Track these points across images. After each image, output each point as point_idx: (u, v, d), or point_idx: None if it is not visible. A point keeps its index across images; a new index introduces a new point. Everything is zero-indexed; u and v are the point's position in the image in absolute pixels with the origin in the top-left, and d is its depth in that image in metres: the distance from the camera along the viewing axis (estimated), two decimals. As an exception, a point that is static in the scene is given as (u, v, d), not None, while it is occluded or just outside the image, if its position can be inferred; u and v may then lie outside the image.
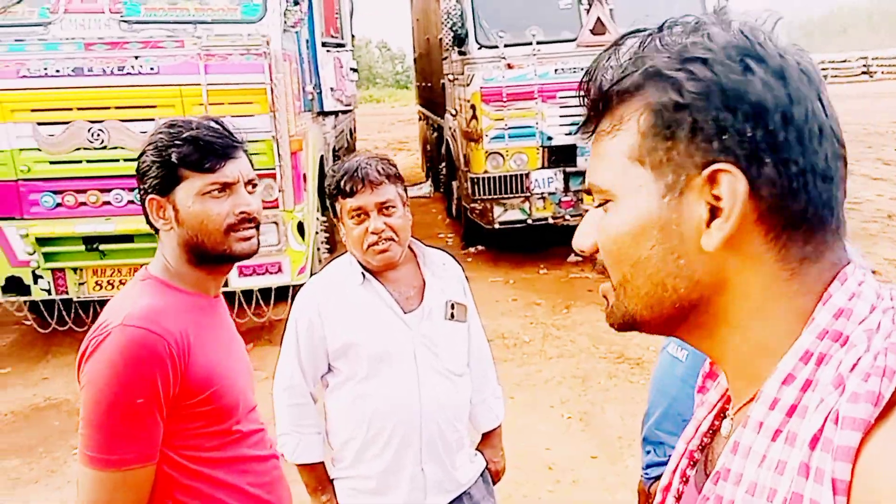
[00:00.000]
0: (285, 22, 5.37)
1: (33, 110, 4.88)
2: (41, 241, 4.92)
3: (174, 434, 1.32)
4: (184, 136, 1.36)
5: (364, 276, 1.82)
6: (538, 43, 6.60)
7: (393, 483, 1.81)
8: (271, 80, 5.00)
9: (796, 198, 0.60)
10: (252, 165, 1.46)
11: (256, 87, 5.01)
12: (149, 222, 1.42)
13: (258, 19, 5.21)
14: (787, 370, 0.59)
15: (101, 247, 5.08)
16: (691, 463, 0.77)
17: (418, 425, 1.79)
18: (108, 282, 5.21)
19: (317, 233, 6.13)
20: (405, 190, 1.86)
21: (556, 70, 6.68)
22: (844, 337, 0.58)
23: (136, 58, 4.94)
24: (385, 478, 1.82)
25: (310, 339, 1.83)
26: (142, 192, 1.40)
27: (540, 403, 4.40)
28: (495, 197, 6.79)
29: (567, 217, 6.91)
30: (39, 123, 4.89)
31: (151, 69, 4.97)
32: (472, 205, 7.18)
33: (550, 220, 6.83)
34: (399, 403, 1.79)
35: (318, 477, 1.91)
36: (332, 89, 6.78)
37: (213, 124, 1.40)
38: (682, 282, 0.64)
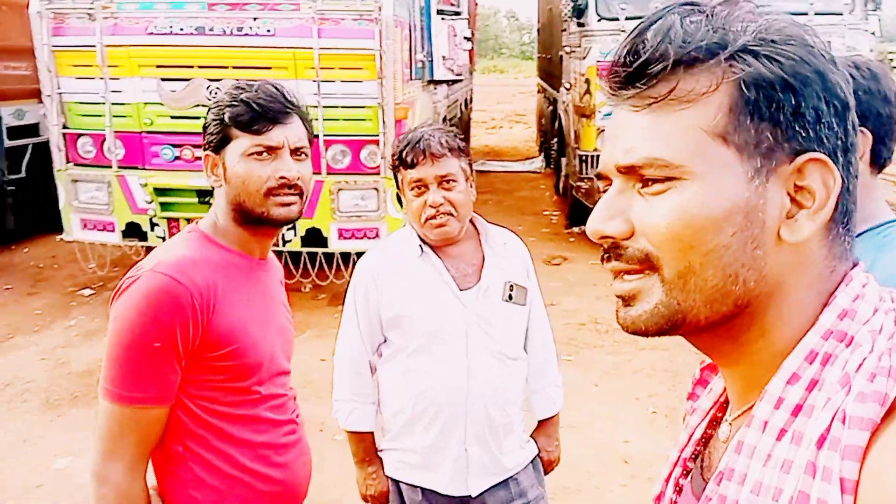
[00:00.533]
0: (400, -12, 5.37)
1: (158, 66, 5.15)
2: (159, 192, 5.22)
3: (192, 383, 1.36)
4: (240, 97, 1.38)
5: (422, 249, 1.79)
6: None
7: (437, 460, 1.80)
8: (381, 46, 5.02)
9: (850, 196, 0.62)
10: (310, 133, 1.46)
11: (366, 53, 5.05)
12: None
13: (373, -15, 5.22)
14: (792, 369, 0.59)
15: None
16: (684, 472, 0.75)
17: (464, 406, 1.76)
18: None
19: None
20: (470, 165, 1.80)
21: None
22: (849, 337, 0.58)
23: (255, 19, 5.10)
24: (429, 454, 1.81)
25: (366, 308, 1.83)
26: (203, 148, 1.44)
27: (625, 394, 4.25)
28: (603, 176, 6.55)
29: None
30: (163, 79, 5.16)
31: (268, 31, 5.12)
32: (579, 183, 6.99)
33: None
34: (446, 381, 1.76)
35: (366, 447, 1.92)
36: (443, 58, 6.74)
37: (271, 89, 1.41)
38: (752, 275, 0.60)
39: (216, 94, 5.14)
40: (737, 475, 0.59)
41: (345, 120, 5.17)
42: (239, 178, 1.38)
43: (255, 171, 1.37)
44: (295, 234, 5.29)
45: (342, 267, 5.39)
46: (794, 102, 0.58)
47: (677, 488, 0.75)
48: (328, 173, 5.21)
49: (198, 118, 5.29)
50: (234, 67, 5.12)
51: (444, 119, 8.14)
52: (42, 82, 5.28)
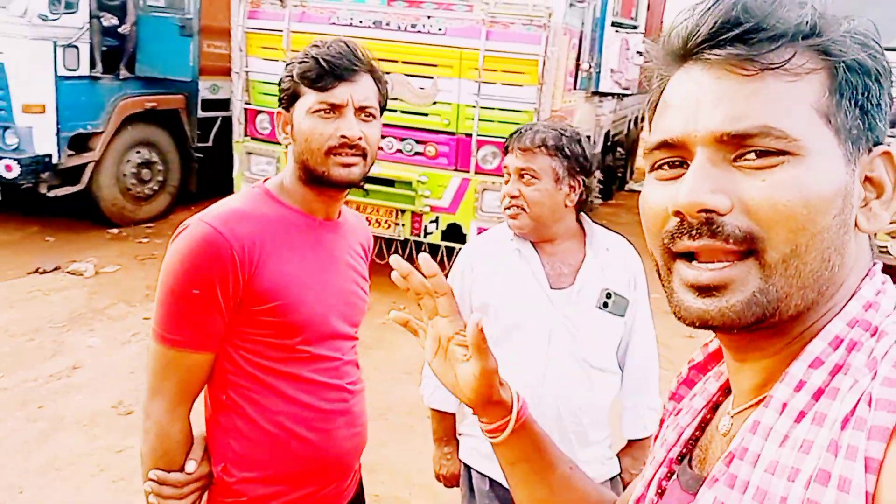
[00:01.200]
0: (574, -4, 5.35)
1: (335, 55, 5.48)
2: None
3: (238, 334, 1.36)
4: (311, 53, 1.36)
5: (519, 249, 1.78)
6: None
7: None
8: (545, 52, 5.03)
9: None
10: (382, 94, 1.42)
11: (530, 57, 5.07)
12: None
13: (548, -9, 5.24)
14: (816, 353, 0.58)
15: (367, 186, 5.60)
16: (668, 473, 0.73)
17: (535, 404, 1.73)
18: (366, 217, 5.75)
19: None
20: (568, 167, 1.74)
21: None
22: (874, 327, 0.58)
23: (429, 17, 5.28)
24: None
25: (460, 292, 1.84)
26: (279, 104, 1.45)
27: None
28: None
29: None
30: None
31: (439, 29, 5.28)
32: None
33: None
34: (520, 376, 1.73)
35: (445, 428, 1.96)
36: (612, 70, 6.62)
37: (342, 46, 1.37)
38: (839, 260, 0.58)
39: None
40: (750, 455, 0.58)
41: (500, 122, 5.22)
42: (303, 135, 1.36)
43: (318, 129, 1.35)
44: (437, 228, 5.42)
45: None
46: (878, 94, 0.59)
47: (659, 490, 0.73)
48: (476, 172, 5.29)
49: (363, 106, 5.59)
50: (404, 62, 5.34)
51: (608, 134, 7.97)
52: (233, 60, 5.81)
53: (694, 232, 0.58)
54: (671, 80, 0.63)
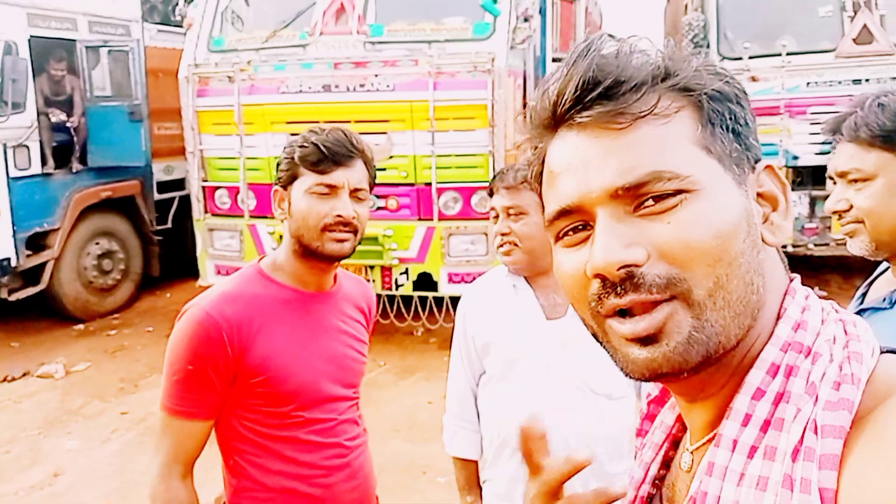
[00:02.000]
0: (513, 39, 5.48)
1: (288, 122, 5.51)
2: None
3: (237, 405, 1.48)
4: (311, 139, 1.49)
5: (514, 284, 1.82)
6: (789, 54, 5.98)
7: (518, 492, 1.76)
8: (493, 96, 5.13)
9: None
10: (371, 178, 1.56)
11: (478, 103, 5.17)
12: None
13: (487, 37, 5.37)
14: (756, 383, 0.58)
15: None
16: None
17: None
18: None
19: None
20: None
21: (808, 83, 6.00)
22: (807, 348, 0.58)
23: (376, 76, 5.37)
24: (512, 485, 1.79)
25: (464, 336, 1.90)
26: (274, 184, 1.56)
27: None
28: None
29: (810, 246, 6.18)
30: (292, 135, 5.51)
31: (388, 86, 5.37)
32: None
33: (790, 249, 6.12)
34: (523, 409, 1.73)
35: (467, 475, 1.95)
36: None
37: (339, 134, 1.51)
38: (760, 280, 0.59)
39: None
40: (710, 498, 0.57)
41: (457, 168, 5.30)
42: (301, 212, 1.48)
43: (315, 207, 1.47)
44: (407, 279, 5.41)
45: (451, 311, 5.44)
46: (743, 115, 0.61)
47: None
48: (440, 219, 5.32)
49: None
50: (357, 121, 5.38)
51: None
52: (186, 140, 5.81)
53: (619, 290, 0.57)
54: (549, 149, 0.63)
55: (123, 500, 3.65)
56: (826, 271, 7.18)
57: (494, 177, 1.83)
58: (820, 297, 0.63)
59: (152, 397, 4.88)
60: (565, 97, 0.59)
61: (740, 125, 0.61)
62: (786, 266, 0.64)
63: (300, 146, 1.49)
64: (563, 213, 0.61)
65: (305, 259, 1.52)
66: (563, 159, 0.61)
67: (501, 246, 1.79)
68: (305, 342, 1.52)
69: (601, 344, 0.62)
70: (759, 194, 0.61)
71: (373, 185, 1.57)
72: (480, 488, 1.95)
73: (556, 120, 0.61)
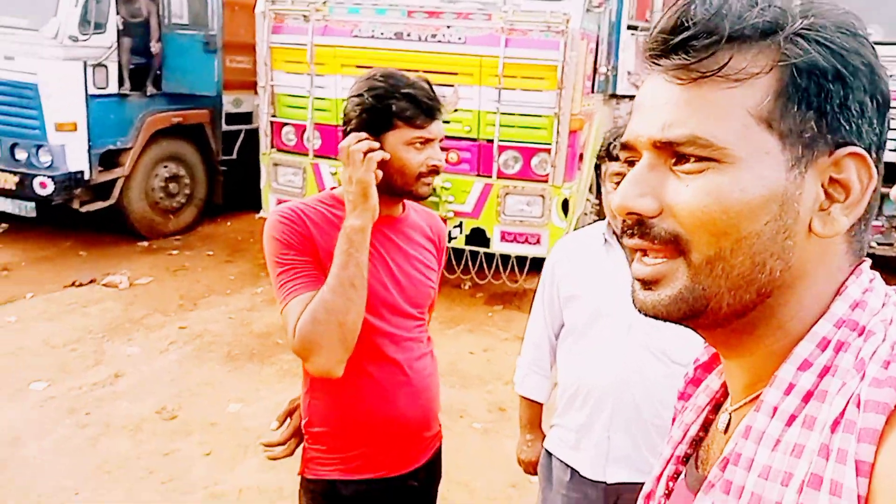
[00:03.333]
0: (590, 2, 5.43)
1: (358, 66, 5.58)
2: (345, 180, 5.66)
3: None
4: (402, 91, 1.56)
5: (606, 239, 1.86)
6: (876, 44, 5.78)
7: (584, 443, 1.85)
8: (564, 58, 5.12)
9: (875, 194, 0.60)
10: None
11: (549, 63, 5.16)
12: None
13: (563, -2, 5.33)
14: (804, 356, 0.58)
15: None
16: (675, 473, 0.74)
17: (613, 393, 1.79)
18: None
19: (585, 213, 6.18)
20: None
21: (891, 75, 5.81)
22: (861, 327, 0.58)
23: (448, 27, 5.39)
24: (580, 435, 1.86)
25: (550, 285, 1.95)
26: (352, 127, 1.60)
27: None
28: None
29: (873, 244, 6.05)
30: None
31: (459, 39, 5.38)
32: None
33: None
34: (600, 365, 1.80)
35: (530, 416, 2.06)
36: (628, 73, 6.70)
37: (427, 88, 1.60)
38: (780, 264, 0.58)
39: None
40: (744, 460, 0.58)
41: (520, 127, 5.33)
42: (399, 161, 1.58)
43: (414, 158, 1.59)
44: (461, 233, 5.51)
45: (501, 269, 5.55)
46: (842, 94, 0.57)
47: (667, 490, 0.74)
48: (498, 177, 5.38)
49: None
50: (426, 71, 5.39)
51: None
52: (258, 75, 5.95)
53: (630, 231, 0.62)
54: (645, 80, 0.64)
55: (178, 406, 3.92)
56: (887, 272, 7.03)
57: (613, 140, 1.78)
58: None
59: (209, 316, 5.15)
60: (652, 41, 0.61)
61: (831, 104, 0.57)
62: (861, 250, 0.63)
63: (394, 98, 1.55)
64: (624, 146, 0.65)
65: (386, 195, 1.61)
66: (640, 96, 0.63)
67: None
68: (374, 256, 1.60)
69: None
70: (832, 179, 0.59)
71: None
72: (540, 429, 2.06)
73: (646, 59, 0.62)
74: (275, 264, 1.55)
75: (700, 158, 0.58)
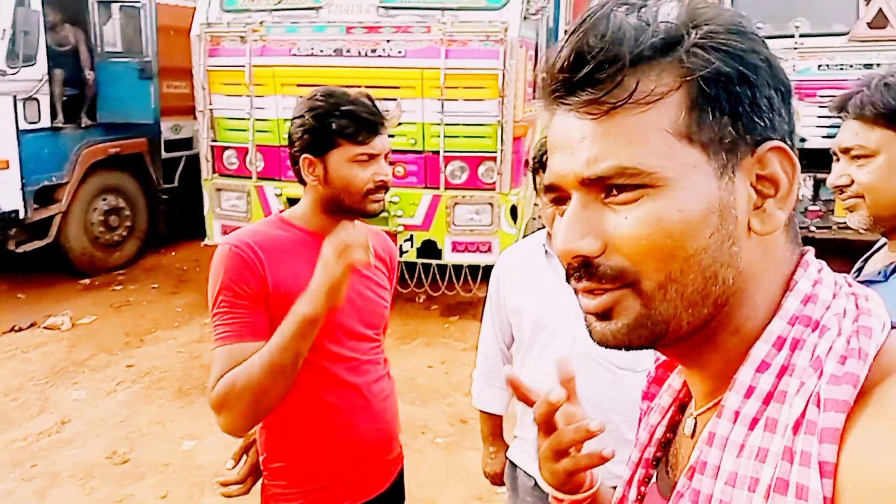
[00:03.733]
0: (527, 9, 5.46)
1: (298, 85, 5.49)
2: (291, 201, 5.56)
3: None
4: (342, 108, 1.52)
5: (547, 251, 1.85)
6: (802, 36, 5.97)
7: None
8: (504, 66, 5.12)
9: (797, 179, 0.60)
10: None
11: (489, 72, 5.16)
12: (298, 175, 1.61)
13: (500, 6, 5.34)
14: (761, 356, 0.58)
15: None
16: (646, 477, 0.73)
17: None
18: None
19: (534, 218, 6.18)
20: None
21: (819, 66, 5.99)
22: (815, 322, 0.57)
23: (388, 41, 5.35)
24: (537, 447, 1.85)
25: (496, 298, 1.95)
26: (295, 149, 1.58)
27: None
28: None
29: (812, 229, 6.21)
30: (300, 97, 5.52)
31: (399, 52, 5.35)
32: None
33: (792, 232, 6.16)
34: (548, 377, 1.78)
35: (491, 428, 2.05)
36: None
37: (368, 104, 1.56)
38: (731, 272, 0.58)
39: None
40: (710, 468, 0.57)
41: (465, 137, 5.31)
42: (343, 181, 1.55)
43: (359, 176, 1.55)
44: (412, 246, 5.46)
45: (454, 280, 5.50)
46: (750, 94, 0.57)
47: (640, 495, 0.73)
48: (446, 188, 5.35)
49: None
50: (367, 86, 5.31)
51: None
52: (196, 99, 5.81)
53: (577, 274, 0.60)
54: (553, 119, 0.63)
55: (129, 448, 3.75)
56: (827, 254, 7.22)
57: (545, 151, 1.74)
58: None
59: (157, 351, 4.98)
60: (553, 78, 0.59)
61: (742, 106, 0.57)
62: (797, 237, 0.63)
63: (334, 116, 1.52)
64: (549, 188, 0.64)
65: (335, 215, 1.58)
66: (553, 136, 0.62)
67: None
68: None
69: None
70: (759, 176, 0.59)
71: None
72: (503, 440, 2.07)
73: (550, 98, 0.61)
74: (214, 302, 1.51)
75: (632, 187, 0.57)
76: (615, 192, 0.57)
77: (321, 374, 1.57)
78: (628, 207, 0.57)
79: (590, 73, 0.56)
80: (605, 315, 0.60)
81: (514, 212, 5.41)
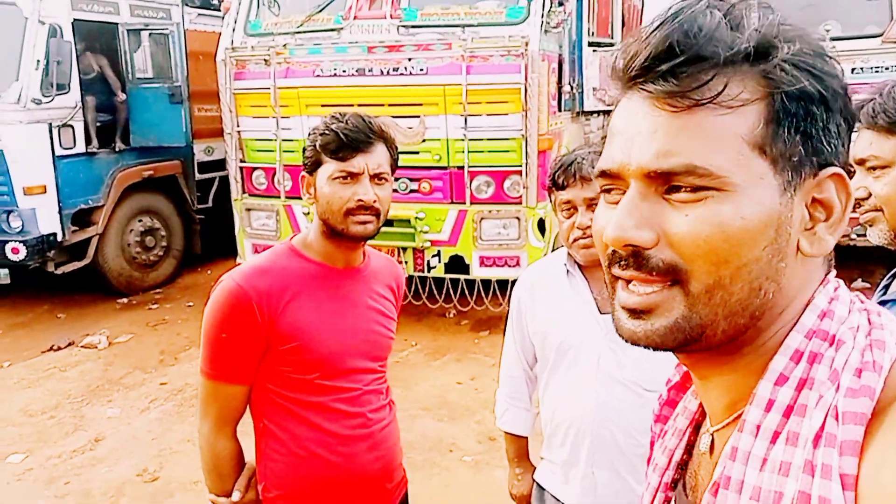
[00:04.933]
0: (548, 23, 5.46)
1: (323, 105, 5.58)
2: (318, 219, 5.63)
3: (268, 370, 1.57)
4: (331, 126, 1.55)
5: (567, 269, 1.81)
6: (833, 39, 5.85)
7: (571, 477, 1.81)
8: (526, 80, 5.13)
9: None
10: (393, 160, 1.60)
11: (511, 87, 5.18)
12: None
13: (521, 21, 5.36)
14: (779, 370, 0.59)
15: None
16: (666, 500, 0.73)
17: (589, 428, 1.75)
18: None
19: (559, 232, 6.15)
20: None
21: (853, 70, 5.86)
22: (831, 336, 0.58)
23: (409, 59, 5.41)
24: (566, 468, 1.83)
25: (518, 318, 1.92)
26: (303, 167, 1.62)
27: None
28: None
29: (853, 237, 6.04)
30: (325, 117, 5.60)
31: (421, 70, 5.40)
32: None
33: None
34: (573, 401, 1.76)
35: (516, 449, 2.02)
36: (594, 89, 6.72)
37: (358, 121, 1.56)
38: (773, 286, 0.59)
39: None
40: (734, 483, 0.58)
41: (490, 152, 5.32)
42: (325, 198, 1.55)
43: (338, 193, 1.54)
44: (439, 261, 5.47)
45: (483, 294, 5.50)
46: (825, 117, 0.58)
47: None
48: (472, 203, 5.36)
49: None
50: (390, 105, 5.44)
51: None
52: (224, 121, 5.94)
53: (623, 263, 0.60)
54: (618, 104, 0.62)
55: (161, 466, 3.81)
56: (865, 261, 7.03)
57: (563, 167, 1.74)
58: (860, 288, 0.63)
59: (191, 369, 5.06)
60: (636, 63, 0.59)
61: (816, 128, 0.58)
62: (831, 259, 0.64)
63: (321, 134, 1.55)
64: (604, 174, 0.63)
65: (333, 239, 1.59)
66: (621, 121, 0.61)
67: (580, 239, 1.72)
68: (333, 314, 1.59)
69: (609, 294, 0.65)
70: (814, 199, 0.59)
71: (395, 166, 1.62)
72: (529, 461, 2.02)
73: (626, 82, 0.61)
74: (206, 337, 1.55)
75: (697, 188, 0.57)
76: (680, 189, 0.58)
77: (321, 407, 1.59)
78: (690, 206, 0.57)
79: (679, 66, 0.57)
80: (641, 313, 0.60)
81: (541, 225, 5.39)
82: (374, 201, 1.55)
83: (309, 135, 1.60)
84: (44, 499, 3.56)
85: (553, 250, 5.64)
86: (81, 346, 5.56)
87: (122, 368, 5.15)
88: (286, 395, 1.58)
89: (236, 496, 1.62)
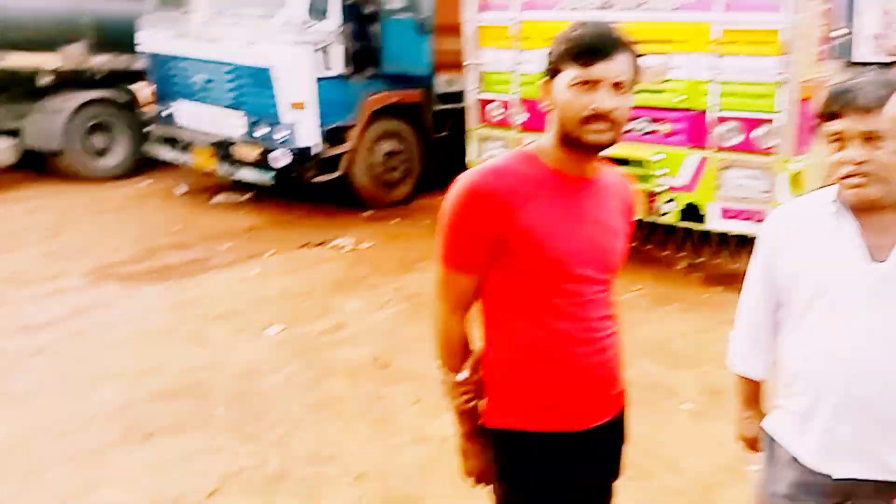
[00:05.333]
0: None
1: (562, 40, 5.55)
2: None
3: (500, 266, 1.62)
4: (574, 31, 1.52)
5: (836, 208, 1.64)
6: None
7: (807, 428, 1.70)
8: (790, 20, 4.70)
9: None
10: (636, 70, 1.54)
11: (772, 27, 4.78)
12: None
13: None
14: None
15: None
16: None
17: (839, 382, 1.62)
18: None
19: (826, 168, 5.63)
20: None
21: None
22: None
23: (660, -7, 5.18)
24: (802, 420, 1.72)
25: (767, 258, 1.79)
26: (543, 76, 1.61)
27: None
28: None
29: None
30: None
31: (670, 6, 5.16)
32: None
33: None
34: (824, 351, 1.64)
35: (747, 393, 1.93)
36: (875, 36, 5.97)
37: (602, 27, 1.53)
38: None
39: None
40: None
41: (740, 96, 4.99)
42: (562, 104, 1.53)
43: (575, 101, 1.51)
44: (674, 207, 5.31)
45: (718, 248, 5.26)
46: None
47: None
48: (716, 150, 5.10)
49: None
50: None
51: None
52: (465, 52, 6.16)
53: None
54: None
55: (392, 356, 4.27)
56: None
57: (837, 94, 1.59)
58: None
59: (423, 278, 5.49)
60: None
61: None
62: None
63: (565, 40, 1.53)
64: None
65: (567, 147, 1.57)
66: None
67: (849, 177, 1.57)
68: (566, 220, 1.60)
69: None
70: None
71: (637, 78, 1.56)
72: (759, 407, 1.92)
73: None
74: (443, 227, 1.64)
75: None
76: None
77: (548, 306, 1.62)
78: None
79: None
80: None
81: (796, 181, 4.99)
82: (613, 110, 1.50)
83: (553, 41, 1.57)
84: (293, 365, 4.16)
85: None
86: (331, 247, 6.26)
87: (363, 269, 5.73)
88: (516, 291, 1.63)
89: (462, 375, 1.71)
